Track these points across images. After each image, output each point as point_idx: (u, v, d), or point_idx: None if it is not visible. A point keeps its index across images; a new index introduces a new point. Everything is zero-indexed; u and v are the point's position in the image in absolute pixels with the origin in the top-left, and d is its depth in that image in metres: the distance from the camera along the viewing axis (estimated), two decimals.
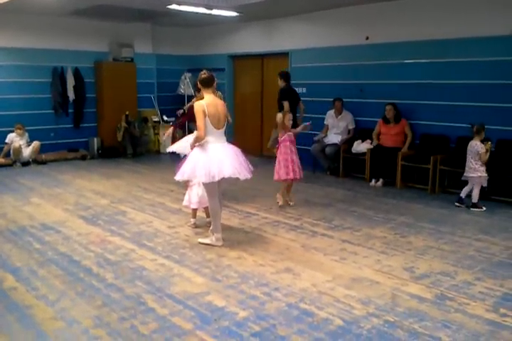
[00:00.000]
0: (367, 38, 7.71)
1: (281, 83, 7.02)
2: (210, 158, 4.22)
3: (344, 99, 7.88)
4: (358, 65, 7.91)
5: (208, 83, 4.38)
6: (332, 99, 7.90)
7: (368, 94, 7.80)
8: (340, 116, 7.89)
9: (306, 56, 8.68)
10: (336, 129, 7.92)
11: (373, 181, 7.15)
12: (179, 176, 4.33)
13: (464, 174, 5.83)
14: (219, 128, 4.31)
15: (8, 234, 4.84)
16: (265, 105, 9.85)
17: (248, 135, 9.90)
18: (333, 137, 7.88)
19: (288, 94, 6.95)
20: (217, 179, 4.20)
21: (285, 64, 9.06)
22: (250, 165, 4.49)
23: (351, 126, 7.89)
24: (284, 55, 9.06)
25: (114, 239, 4.68)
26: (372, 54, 7.67)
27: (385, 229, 5.01)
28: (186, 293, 3.48)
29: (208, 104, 4.24)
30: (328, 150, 7.73)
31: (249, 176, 4.36)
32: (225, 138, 4.43)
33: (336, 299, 3.38)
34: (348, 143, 7.71)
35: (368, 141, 7.41)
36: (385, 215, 5.54)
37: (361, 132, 7.76)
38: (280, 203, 5.84)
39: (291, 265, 4.01)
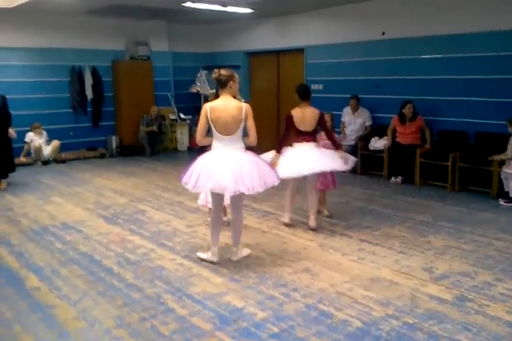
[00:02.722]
0: (383, 34, 7.64)
1: None
2: (203, 167, 3.82)
3: (360, 96, 7.83)
4: (374, 60, 7.85)
5: (219, 83, 3.92)
6: (348, 96, 7.86)
7: (384, 90, 7.74)
8: (356, 113, 7.85)
9: (322, 52, 8.64)
10: (352, 126, 7.88)
11: (393, 178, 7.10)
12: (183, 182, 3.96)
13: (504, 170, 5.78)
14: (227, 134, 3.84)
15: (31, 233, 4.94)
16: (281, 102, 9.83)
17: (264, 133, 9.85)
18: (350, 134, 7.84)
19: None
20: (200, 190, 4.03)
21: (300, 60, 9.04)
22: (274, 177, 3.97)
23: (368, 123, 7.84)
24: (300, 51, 9.03)
25: (134, 239, 4.75)
26: (389, 49, 7.61)
27: (404, 228, 4.98)
28: (205, 293, 3.52)
29: (213, 107, 3.85)
30: (344, 147, 7.68)
31: (260, 190, 3.81)
32: (239, 145, 3.91)
33: (355, 300, 3.38)
34: (366, 139, 7.67)
35: (386, 137, 7.35)
36: (404, 214, 5.51)
37: (379, 128, 7.71)
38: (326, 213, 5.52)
39: (309, 265, 4.02)
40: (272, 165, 4.48)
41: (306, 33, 8.83)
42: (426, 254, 4.26)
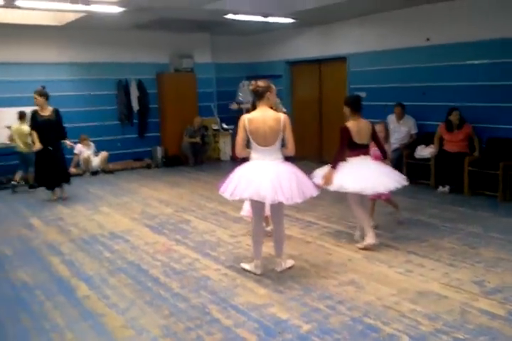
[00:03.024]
0: (428, 39, 7.50)
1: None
2: (241, 175, 3.86)
3: (405, 103, 7.70)
4: (419, 67, 7.71)
5: (256, 95, 3.93)
6: (393, 104, 7.74)
7: (430, 97, 7.58)
8: (401, 121, 7.71)
9: (365, 60, 8.56)
10: (397, 134, 7.73)
11: (440, 187, 6.91)
12: (221, 191, 3.99)
13: None
14: (266, 146, 3.85)
15: (81, 242, 5.10)
16: (324, 111, 9.80)
17: (307, 141, 9.87)
18: (394, 142, 7.70)
19: None
20: (237, 198, 3.86)
21: (343, 68, 8.99)
22: (312, 188, 3.97)
23: (413, 131, 7.69)
24: (342, 59, 8.99)
25: (179, 248, 4.82)
26: (434, 56, 7.46)
27: (453, 240, 4.83)
28: (250, 304, 3.53)
29: (251, 118, 3.87)
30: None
31: (298, 201, 3.81)
32: (277, 156, 3.92)
33: (402, 314, 3.30)
34: (411, 148, 7.51)
35: (432, 145, 7.18)
36: (453, 224, 5.35)
37: (425, 136, 7.53)
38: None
39: (354, 277, 3.96)
40: (326, 180, 4.46)
41: (348, 41, 8.79)
42: (476, 267, 4.11)
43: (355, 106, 4.64)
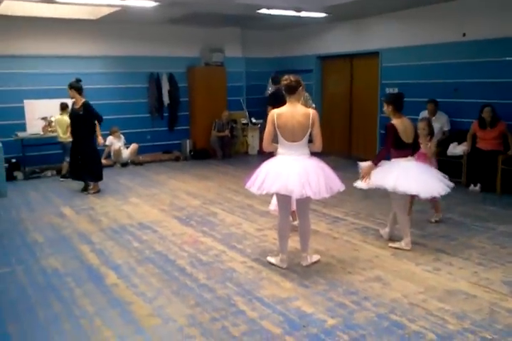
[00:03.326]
0: (464, 35, 7.33)
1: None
2: (269, 170, 3.87)
3: (438, 99, 7.54)
4: (453, 63, 7.54)
5: (289, 90, 3.89)
6: (425, 100, 7.60)
7: (464, 94, 7.41)
8: (434, 118, 7.54)
9: (398, 55, 8.42)
10: None
11: (472, 186, 6.77)
12: (248, 186, 4.01)
13: None
14: (293, 141, 3.84)
15: (110, 232, 5.21)
16: (354, 106, 9.70)
17: (335, 137, 9.81)
18: None
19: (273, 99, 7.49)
20: (265, 193, 3.83)
21: (375, 64, 8.87)
22: (338, 183, 3.95)
23: (446, 128, 7.54)
24: (374, 54, 8.87)
25: (206, 240, 4.87)
26: (470, 51, 7.28)
27: (483, 239, 4.74)
28: (275, 297, 3.54)
29: (280, 113, 3.85)
30: None
31: (326, 195, 3.82)
32: (304, 151, 3.91)
33: (429, 312, 3.26)
34: (443, 145, 7.37)
35: (465, 143, 7.03)
36: (483, 223, 5.24)
37: (457, 134, 7.38)
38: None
39: (381, 274, 3.93)
40: (364, 174, 4.39)
41: (382, 36, 8.66)
42: (507, 267, 4.03)
43: (399, 103, 4.43)
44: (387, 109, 4.46)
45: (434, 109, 7.52)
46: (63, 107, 7.97)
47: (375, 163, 4.39)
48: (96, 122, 6.87)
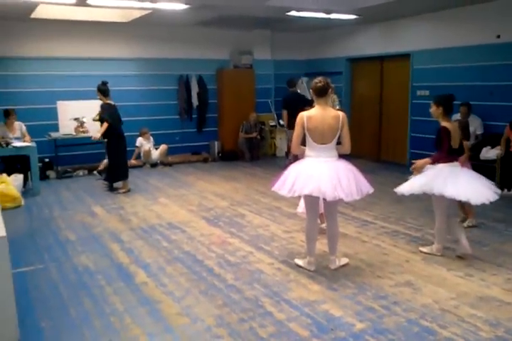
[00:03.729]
0: (498, 37, 7.17)
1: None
2: (299, 172, 3.86)
3: (471, 102, 7.39)
4: (488, 65, 7.39)
5: (320, 93, 3.88)
6: (458, 103, 7.45)
7: (498, 97, 7.25)
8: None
9: (429, 57, 8.30)
10: None
11: (505, 190, 6.61)
12: (276, 188, 4.01)
13: None
14: (323, 143, 3.83)
15: (140, 231, 5.28)
16: (384, 109, 9.59)
17: (364, 140, 9.71)
18: None
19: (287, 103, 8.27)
20: (296, 195, 3.85)
21: (406, 66, 8.76)
22: (368, 185, 3.94)
23: (479, 132, 7.38)
24: (405, 56, 8.75)
25: (234, 241, 4.88)
26: (504, 53, 7.12)
27: None
28: (303, 299, 3.53)
29: (310, 116, 3.84)
30: None
31: (357, 197, 3.82)
32: (332, 153, 3.89)
33: (461, 318, 3.19)
34: (476, 149, 7.21)
35: (499, 147, 6.87)
36: None
37: (491, 137, 7.21)
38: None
39: (411, 279, 3.87)
40: (416, 168, 4.26)
41: (413, 38, 8.55)
42: None
43: (449, 105, 4.23)
44: (436, 110, 4.24)
45: (467, 112, 7.37)
46: None
47: (434, 162, 4.22)
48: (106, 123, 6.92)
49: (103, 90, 6.95)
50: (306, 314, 3.30)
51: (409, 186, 4.26)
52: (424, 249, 4.46)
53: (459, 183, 4.06)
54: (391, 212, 5.83)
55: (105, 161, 7.86)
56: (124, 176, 7.20)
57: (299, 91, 10.34)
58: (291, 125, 7.92)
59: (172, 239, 4.99)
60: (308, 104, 8.02)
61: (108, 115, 6.88)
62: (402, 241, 4.82)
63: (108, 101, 6.97)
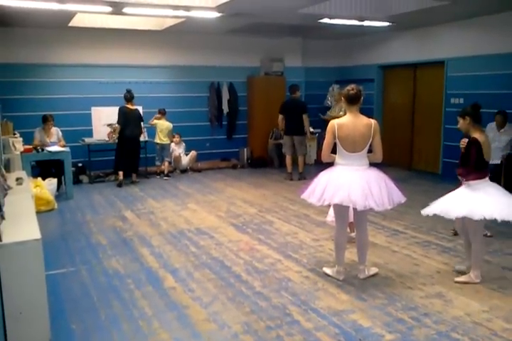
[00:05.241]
0: None
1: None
2: (329, 180, 3.81)
3: (508, 111, 7.21)
4: None
5: (353, 100, 3.83)
6: (494, 111, 7.28)
7: None
8: (502, 130, 7.20)
9: (464, 64, 8.15)
10: (497, 143, 7.21)
11: None
12: (305, 196, 3.99)
13: None
14: (354, 152, 3.78)
15: (169, 236, 5.33)
16: (417, 117, 9.45)
17: (396, 148, 9.58)
18: (494, 151, 7.23)
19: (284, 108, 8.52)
20: (326, 203, 3.80)
21: (440, 73, 8.62)
22: (400, 194, 3.85)
23: None
24: (439, 64, 8.62)
25: (262, 248, 4.88)
26: None
27: None
28: (331, 308, 3.49)
29: (341, 124, 3.80)
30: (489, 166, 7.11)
31: (388, 207, 3.75)
32: (363, 161, 3.84)
33: (494, 332, 3.10)
34: None
35: None
36: None
37: None
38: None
39: (442, 290, 3.78)
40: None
41: (447, 45, 8.41)
42: None
43: (476, 114, 3.92)
44: (463, 123, 3.93)
45: (503, 121, 7.17)
46: (163, 113, 8.94)
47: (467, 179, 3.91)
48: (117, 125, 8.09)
49: (125, 97, 8.10)
50: (334, 323, 3.26)
51: (440, 209, 3.91)
52: (461, 279, 3.97)
53: (491, 202, 3.75)
54: (422, 221, 5.71)
55: (166, 164, 8.90)
56: (121, 169, 8.19)
57: (329, 98, 10.34)
58: (285, 130, 8.55)
59: (200, 244, 5.02)
60: (305, 110, 8.34)
61: (118, 119, 8.07)
62: (433, 251, 4.72)
63: (124, 105, 8.08)
